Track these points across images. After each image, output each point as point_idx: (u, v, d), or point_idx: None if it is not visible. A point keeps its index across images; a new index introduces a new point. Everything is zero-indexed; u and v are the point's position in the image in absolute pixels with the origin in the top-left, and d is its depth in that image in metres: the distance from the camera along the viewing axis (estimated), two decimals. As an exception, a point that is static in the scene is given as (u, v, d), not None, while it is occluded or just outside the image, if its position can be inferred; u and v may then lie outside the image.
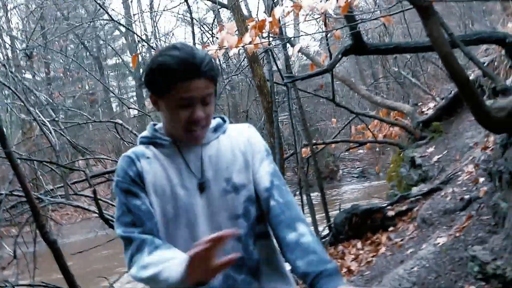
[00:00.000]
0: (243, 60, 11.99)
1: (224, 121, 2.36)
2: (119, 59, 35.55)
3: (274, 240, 2.25)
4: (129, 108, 11.31)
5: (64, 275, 4.79)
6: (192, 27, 10.86)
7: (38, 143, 18.29)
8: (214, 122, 2.30)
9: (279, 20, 5.28)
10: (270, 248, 2.30)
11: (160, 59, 2.11)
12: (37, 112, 7.48)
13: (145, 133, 2.30)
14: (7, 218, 7.63)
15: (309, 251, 2.07)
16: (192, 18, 11.17)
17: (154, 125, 2.32)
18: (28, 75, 30.15)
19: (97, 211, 6.08)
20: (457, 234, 5.67)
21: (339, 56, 5.95)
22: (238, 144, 2.30)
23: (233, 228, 2.10)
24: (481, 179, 6.53)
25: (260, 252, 2.26)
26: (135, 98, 37.28)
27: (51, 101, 9.53)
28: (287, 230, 2.13)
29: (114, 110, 34.44)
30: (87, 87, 30.50)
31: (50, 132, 6.99)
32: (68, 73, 29.70)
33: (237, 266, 2.17)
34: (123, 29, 29.88)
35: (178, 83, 2.08)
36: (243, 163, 2.27)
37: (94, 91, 31.44)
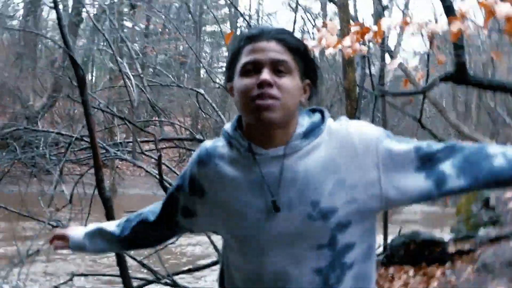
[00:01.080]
0: (337, 61, 11.83)
1: (323, 119, 1.89)
2: (218, 28, 35.85)
3: (373, 271, 1.94)
4: (213, 82, 11.20)
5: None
6: (295, 12, 10.71)
7: (122, 92, 18.66)
8: (306, 124, 1.87)
9: (384, 31, 5.07)
10: (361, 278, 1.91)
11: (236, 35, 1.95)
12: (125, 64, 7.51)
13: (227, 126, 1.97)
14: (73, 160, 7.73)
15: None
16: (297, 4, 11.03)
17: (239, 119, 1.95)
18: (128, 24, 30.77)
19: (158, 177, 6.07)
20: (517, 290, 5.41)
21: (438, 81, 5.71)
22: (338, 149, 1.84)
23: (314, 260, 1.83)
24: (555, 240, 6.21)
25: (347, 283, 1.88)
26: (223, 69, 37.70)
27: (140, 55, 9.57)
28: (484, 162, 1.78)
29: (201, 76, 34.78)
30: (181, 48, 30.74)
31: (132, 87, 7.01)
32: (166, 29, 30.12)
33: None
34: (228, -1, 30.08)
35: (244, 47, 1.83)
36: (342, 180, 1.81)
37: (186, 53, 31.74)
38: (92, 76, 34.68)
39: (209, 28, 39.92)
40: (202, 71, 34.77)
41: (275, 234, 1.82)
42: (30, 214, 6.63)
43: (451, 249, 7.75)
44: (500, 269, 6.48)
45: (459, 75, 5.54)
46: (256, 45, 1.81)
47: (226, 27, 37.31)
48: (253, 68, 1.79)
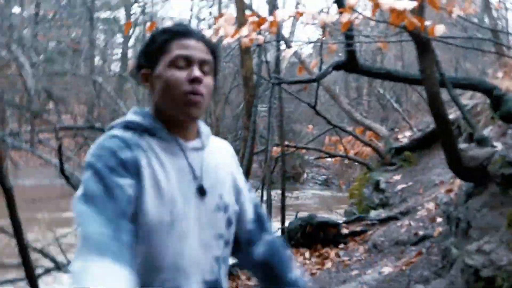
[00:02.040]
0: (233, 49, 11.95)
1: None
2: (111, 14, 35.22)
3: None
4: (109, 70, 11.10)
5: (13, 223, 4.76)
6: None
7: (13, 81, 18.05)
8: (205, 127, 2.07)
9: (279, 22, 5.25)
10: (226, 274, 2.08)
11: (158, 29, 1.97)
12: (20, 52, 7.37)
13: (135, 118, 1.96)
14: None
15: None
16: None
17: (141, 110, 1.99)
18: (17, 9, 29.67)
19: (59, 165, 6.03)
20: (403, 267, 5.73)
21: (330, 69, 5.96)
22: (226, 160, 2.11)
23: (215, 248, 1.98)
24: (439, 219, 6.61)
25: (225, 277, 2.06)
26: (119, 56, 37.04)
27: (32, 43, 9.38)
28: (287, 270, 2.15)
29: (96, 63, 34.10)
30: (73, 35, 29.96)
31: (28, 75, 6.90)
32: (57, 16, 29.28)
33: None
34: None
35: (175, 40, 1.90)
36: (232, 183, 2.08)
37: (80, 40, 30.95)
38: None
39: (102, 15, 39.13)
40: (97, 59, 34.18)
41: (195, 220, 1.92)
42: None
43: (345, 230, 8.05)
44: (388, 248, 6.84)
45: (350, 64, 5.80)
46: (188, 41, 1.90)
47: (120, 14, 36.72)
48: (183, 64, 1.88)
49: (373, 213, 8.30)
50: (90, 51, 29.68)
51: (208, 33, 5.48)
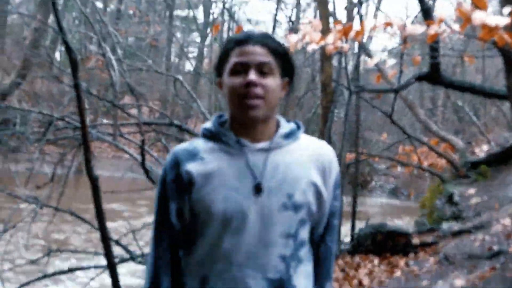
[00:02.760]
0: (313, 54, 11.99)
1: (298, 127, 2.20)
2: (190, 12, 35.75)
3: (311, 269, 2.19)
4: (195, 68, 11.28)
5: (97, 213, 4.92)
6: (278, 4, 10.83)
7: (93, 74, 18.57)
8: (287, 127, 2.15)
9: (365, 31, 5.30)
10: (308, 275, 2.16)
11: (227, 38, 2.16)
12: (107, 48, 7.60)
13: (208, 125, 2.16)
14: (51, 139, 7.80)
15: None
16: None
17: (220, 116, 2.20)
18: (100, 4, 30.47)
19: (141, 159, 6.21)
20: (476, 282, 5.68)
21: (413, 80, 5.97)
22: (312, 160, 2.14)
23: (281, 246, 2.04)
24: (515, 236, 6.51)
25: (300, 277, 2.11)
26: (195, 54, 37.54)
27: (121, 40, 9.64)
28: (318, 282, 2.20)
29: (172, 60, 34.66)
30: (151, 31, 30.58)
31: (114, 71, 7.10)
32: (139, 12, 29.95)
33: (275, 286, 2.04)
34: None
35: (233, 50, 2.06)
36: (311, 183, 2.10)
37: (158, 37, 31.54)
38: (60, 57, 34.30)
39: (180, 13, 39.75)
40: (173, 56, 34.75)
41: (255, 216, 2.02)
42: (6, 191, 6.66)
43: (415, 241, 8.01)
44: (460, 261, 6.76)
45: (433, 75, 5.82)
46: (244, 48, 2.05)
47: (199, 13, 37.21)
48: (241, 69, 2.03)
49: (445, 225, 8.22)
50: (168, 48, 30.28)
51: (293, 39, 5.59)
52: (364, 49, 8.44)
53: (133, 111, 9.96)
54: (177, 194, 2.09)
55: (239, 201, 2.01)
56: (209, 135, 2.13)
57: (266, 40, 2.07)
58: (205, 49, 36.82)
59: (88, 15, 6.80)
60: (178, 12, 39.15)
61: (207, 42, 36.99)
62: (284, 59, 2.11)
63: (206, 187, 2.04)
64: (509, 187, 8.69)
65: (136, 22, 30.08)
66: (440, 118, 20.20)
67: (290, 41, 5.63)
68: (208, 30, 35.01)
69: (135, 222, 8.72)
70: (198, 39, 38.49)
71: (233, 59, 2.04)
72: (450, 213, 8.95)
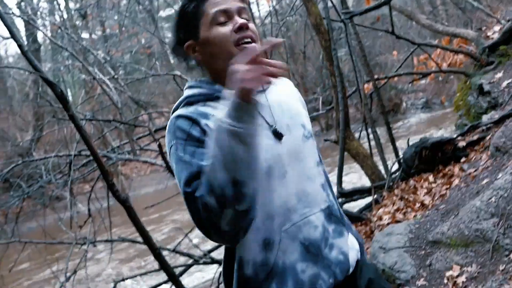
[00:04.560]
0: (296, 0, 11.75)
1: None
2: (172, 10, 35.58)
3: None
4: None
5: (139, 231, 4.87)
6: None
7: (102, 101, 18.65)
8: None
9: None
10: (334, 195, 2.12)
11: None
12: (97, 71, 7.53)
13: (193, 91, 2.00)
14: (78, 177, 7.81)
15: None
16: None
17: (197, 81, 2.03)
18: (85, 35, 30.58)
19: (164, 164, 6.14)
20: (536, 161, 5.48)
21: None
22: (292, 93, 2.16)
23: (318, 176, 2.01)
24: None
25: (332, 199, 2.07)
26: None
27: (108, 58, 9.56)
28: None
29: (171, 61, 34.57)
30: (143, 41, 30.55)
31: (111, 90, 7.04)
32: (123, 29, 29.89)
33: (327, 215, 1.99)
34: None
35: (205, 1, 1.92)
36: (305, 114, 2.13)
37: (150, 44, 31.51)
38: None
39: (163, 13, 39.67)
40: (171, 56, 34.65)
41: (288, 156, 1.94)
42: (56, 240, 6.73)
43: (462, 143, 7.77)
44: (512, 147, 6.54)
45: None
46: None
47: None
48: (224, 17, 1.90)
49: (485, 118, 7.97)
50: (162, 50, 30.15)
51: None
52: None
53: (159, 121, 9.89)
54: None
55: (270, 149, 1.91)
56: (202, 99, 1.96)
57: None
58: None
59: (60, 46, 6.69)
60: (160, 14, 39.08)
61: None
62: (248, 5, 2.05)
63: None
64: (535, 57, 8.41)
65: (125, 38, 30.06)
66: (444, 17, 19.81)
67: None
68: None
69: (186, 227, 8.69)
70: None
71: (211, 10, 1.91)
72: (486, 105, 8.68)
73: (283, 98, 2.06)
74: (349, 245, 2.02)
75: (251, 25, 1.92)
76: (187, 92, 2.02)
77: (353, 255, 2.03)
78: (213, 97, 1.95)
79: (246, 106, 1.62)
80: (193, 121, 1.86)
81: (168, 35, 39.07)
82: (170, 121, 1.92)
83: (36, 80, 20.41)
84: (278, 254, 1.89)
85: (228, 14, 1.91)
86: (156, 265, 7.28)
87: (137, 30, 30.35)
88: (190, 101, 1.97)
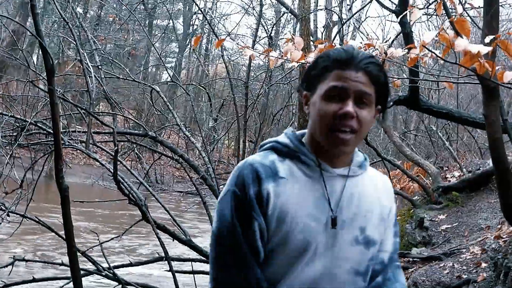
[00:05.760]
0: (291, 71, 11.99)
1: (365, 158, 2.06)
2: (170, 23, 35.66)
3: None
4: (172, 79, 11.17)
5: (65, 223, 4.83)
6: (259, 21, 10.87)
7: (69, 79, 18.43)
8: (360, 156, 2.03)
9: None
10: None
11: (323, 52, 1.91)
12: (85, 54, 7.51)
13: (283, 140, 1.98)
14: (23, 143, 7.68)
15: None
16: (260, 14, 11.19)
17: (294, 133, 2.01)
18: (79, 9, 30.26)
19: (113, 170, 6.10)
20: (445, 310, 5.67)
21: (391, 104, 5.97)
22: (379, 193, 2.03)
23: (349, 284, 1.92)
24: (484, 264, 6.51)
25: None
26: (173, 64, 37.43)
27: (100, 47, 9.54)
28: None
29: (149, 70, 34.53)
30: (131, 40, 30.44)
31: (90, 77, 6.99)
32: (118, 20, 29.79)
33: None
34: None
35: (333, 71, 1.85)
36: (379, 217, 2.00)
37: (136, 46, 31.42)
38: (36, 60, 33.99)
39: (160, 22, 39.67)
40: (150, 65, 34.63)
41: (326, 250, 1.89)
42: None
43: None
44: (430, 288, 6.75)
45: (411, 100, 5.81)
46: (345, 72, 1.85)
47: (179, 23, 37.19)
48: (338, 94, 1.84)
49: (414, 251, 8.21)
50: (146, 57, 30.14)
51: (274, 55, 5.56)
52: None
53: (107, 119, 9.85)
54: (259, 212, 1.86)
55: (315, 232, 1.87)
56: (285, 152, 1.95)
57: (370, 67, 1.87)
58: (183, 60, 36.82)
59: (67, 19, 6.67)
60: (158, 22, 39.12)
61: (186, 53, 37.00)
62: (383, 88, 1.93)
63: (284, 213, 1.86)
64: (478, 215, 8.74)
65: (115, 30, 29.92)
66: (413, 141, 20.35)
67: (270, 58, 5.60)
68: (187, 41, 35.02)
69: (104, 235, 8.59)
70: (177, 50, 38.46)
71: (330, 82, 1.85)
72: (420, 238, 8.95)
73: (361, 192, 1.98)
74: None
75: (362, 113, 1.84)
76: (279, 138, 2.01)
77: None
78: (294, 155, 1.94)
79: None
80: (257, 177, 1.87)
81: (157, 45, 39.08)
82: (243, 163, 1.92)
83: (16, 31, 20.04)
84: None
85: (343, 94, 1.84)
86: (60, 257, 7.14)
87: (129, 28, 30.31)
88: (275, 148, 1.98)
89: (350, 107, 1.82)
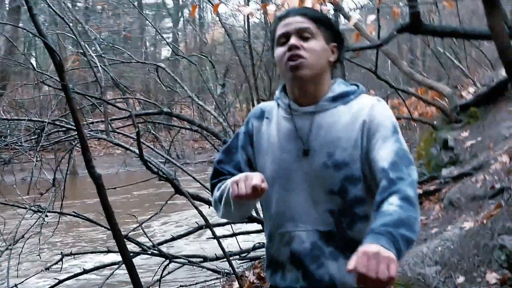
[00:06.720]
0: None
1: (353, 92, 2.26)
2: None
3: None
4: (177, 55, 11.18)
5: (105, 210, 4.95)
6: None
7: (70, 74, 18.44)
8: (338, 90, 2.24)
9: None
10: (361, 229, 2.16)
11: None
12: (86, 46, 7.57)
13: (276, 92, 2.42)
14: (45, 145, 7.79)
15: (385, 214, 1.89)
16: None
17: (283, 83, 2.40)
18: (68, 4, 30.14)
19: (138, 152, 6.22)
20: (484, 221, 5.74)
21: (394, 33, 5.99)
22: (357, 119, 2.18)
23: (327, 202, 2.17)
24: (515, 171, 6.58)
25: (359, 233, 2.12)
26: (170, 40, 37.31)
27: (98, 36, 9.60)
28: (381, 195, 1.98)
29: (147, 49, 34.46)
30: (123, 24, 30.34)
31: (96, 67, 7.06)
32: (106, 6, 29.70)
33: (326, 238, 2.18)
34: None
35: (277, 25, 2.27)
36: (353, 141, 2.15)
37: (130, 28, 31.32)
38: (36, 60, 34.07)
39: (149, 1, 39.45)
40: (147, 44, 34.56)
41: (300, 176, 2.23)
42: (9, 202, 6.64)
43: (418, 191, 8.02)
44: (465, 204, 6.83)
45: (414, 25, 5.83)
46: (285, 21, 2.25)
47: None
48: (285, 39, 2.22)
49: (444, 171, 8.28)
50: (142, 37, 30.07)
51: (271, 8, 5.59)
52: (340, 9, 8.42)
53: (119, 105, 9.93)
54: (246, 145, 2.40)
55: (287, 162, 2.24)
56: (275, 100, 2.39)
57: (304, 11, 2.27)
58: (179, 34, 36.66)
59: (61, 15, 6.72)
60: (146, 1, 38.87)
61: (180, 26, 36.81)
62: (326, 25, 2.27)
63: (262, 146, 2.34)
64: (500, 125, 8.74)
65: (106, 17, 29.86)
66: (421, 67, 20.25)
67: (268, 12, 5.65)
68: (180, 14, 34.84)
69: (140, 217, 8.76)
70: (170, 25, 38.28)
71: (277, 33, 2.25)
72: (447, 159, 9.00)
73: (329, 123, 2.20)
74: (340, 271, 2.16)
75: (309, 44, 2.19)
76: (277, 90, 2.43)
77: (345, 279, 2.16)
78: (278, 104, 2.38)
79: (238, 204, 2.20)
80: (248, 120, 2.45)
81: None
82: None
83: (12, 38, 20.05)
84: (275, 248, 2.31)
85: (287, 36, 2.22)
86: (106, 244, 7.30)
87: (119, 11, 30.18)
88: (275, 97, 2.42)
89: (293, 40, 2.18)
